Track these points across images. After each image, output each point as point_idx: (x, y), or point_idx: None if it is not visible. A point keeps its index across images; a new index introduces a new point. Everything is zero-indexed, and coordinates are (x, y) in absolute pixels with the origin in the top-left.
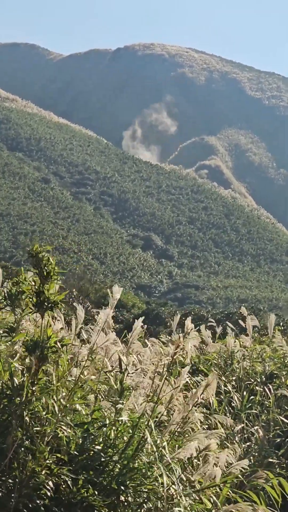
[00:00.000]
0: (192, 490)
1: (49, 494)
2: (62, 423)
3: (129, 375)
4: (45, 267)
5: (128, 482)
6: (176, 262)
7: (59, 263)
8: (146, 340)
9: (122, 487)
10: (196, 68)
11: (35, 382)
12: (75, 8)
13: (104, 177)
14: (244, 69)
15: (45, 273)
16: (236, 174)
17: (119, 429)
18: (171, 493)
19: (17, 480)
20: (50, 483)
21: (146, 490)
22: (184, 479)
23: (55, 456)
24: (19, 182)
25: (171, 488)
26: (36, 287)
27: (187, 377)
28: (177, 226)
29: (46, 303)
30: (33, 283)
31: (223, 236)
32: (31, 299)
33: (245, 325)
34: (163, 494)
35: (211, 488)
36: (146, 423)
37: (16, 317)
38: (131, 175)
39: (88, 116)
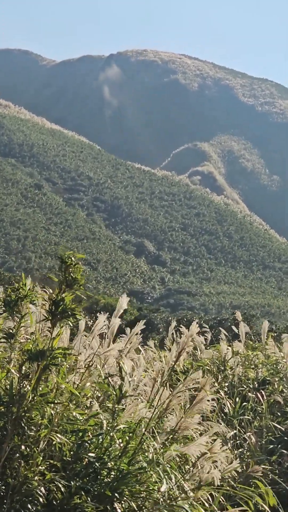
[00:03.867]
0: (185, 495)
1: (41, 500)
2: (56, 429)
3: (129, 382)
4: (71, 274)
5: (122, 488)
6: (169, 268)
7: (52, 268)
8: (139, 346)
9: (116, 494)
10: (189, 75)
11: (36, 390)
12: (69, 15)
13: (96, 183)
14: (237, 76)
15: (70, 279)
16: (228, 181)
17: (115, 436)
18: (168, 498)
19: (9, 486)
20: (42, 489)
21: (141, 496)
22: (184, 484)
23: (48, 463)
24: (11, 188)
25: (166, 493)
26: (54, 295)
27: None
28: (169, 232)
29: (64, 313)
30: (51, 291)
31: (216, 242)
32: (48, 307)
33: (238, 331)
34: (160, 498)
35: (204, 493)
36: (143, 430)
37: (14, 323)
38: (123, 181)
39: (81, 122)
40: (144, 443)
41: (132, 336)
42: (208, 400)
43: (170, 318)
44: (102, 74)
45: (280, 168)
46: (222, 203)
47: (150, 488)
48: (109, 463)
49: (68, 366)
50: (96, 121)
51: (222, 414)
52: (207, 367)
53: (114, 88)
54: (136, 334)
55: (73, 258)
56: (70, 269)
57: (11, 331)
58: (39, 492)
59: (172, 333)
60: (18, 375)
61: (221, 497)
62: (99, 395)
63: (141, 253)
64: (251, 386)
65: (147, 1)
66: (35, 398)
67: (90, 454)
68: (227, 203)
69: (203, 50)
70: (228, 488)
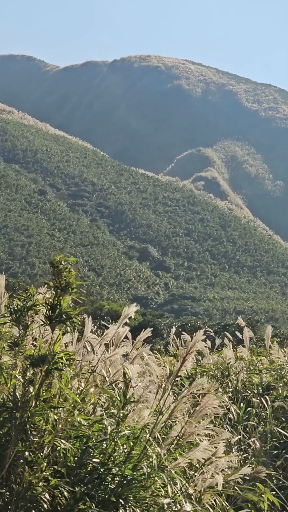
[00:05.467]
0: (190, 500)
1: (46, 506)
2: (60, 435)
3: (132, 387)
4: (64, 278)
5: (126, 494)
6: (173, 274)
7: None
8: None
9: (121, 500)
10: (192, 80)
11: (39, 396)
12: (72, 20)
13: (100, 188)
14: (240, 81)
15: (63, 283)
16: (232, 186)
17: (119, 442)
18: (172, 504)
19: (14, 492)
20: (47, 495)
21: (146, 501)
22: (189, 489)
23: (52, 468)
24: (15, 194)
25: (172, 498)
26: (50, 300)
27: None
28: (173, 238)
29: (60, 317)
30: (48, 296)
31: (220, 248)
32: (45, 312)
33: (242, 337)
34: (165, 504)
35: (209, 497)
36: (148, 436)
37: (20, 331)
38: (127, 186)
39: (85, 128)
40: (149, 449)
41: (138, 343)
42: (215, 407)
43: (174, 323)
44: (106, 80)
45: (284, 174)
46: (226, 209)
47: (155, 493)
48: (113, 469)
49: (72, 372)
50: (99, 127)
51: (227, 420)
52: (211, 373)
53: (117, 94)
54: (143, 344)
55: (63, 262)
56: (63, 274)
57: (16, 339)
58: (43, 498)
59: (174, 339)
60: (22, 380)
61: (225, 501)
62: (104, 400)
63: (145, 259)
64: (255, 392)
65: (150, 6)
66: (39, 403)
67: (94, 460)
68: (231, 209)
69: (206, 56)
70: (231, 491)
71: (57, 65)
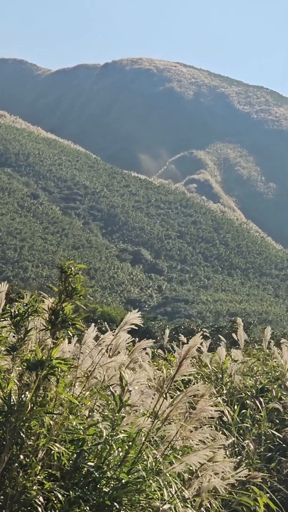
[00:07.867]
0: (185, 504)
1: (40, 510)
2: (55, 439)
3: (129, 391)
4: (71, 284)
5: (121, 497)
6: (166, 276)
7: (49, 277)
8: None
9: (116, 504)
10: (184, 83)
11: (35, 400)
12: (63, 24)
13: (93, 192)
14: (232, 83)
15: (70, 288)
16: (225, 188)
17: (114, 445)
18: (167, 507)
19: (8, 495)
20: (41, 498)
21: (141, 504)
22: (185, 493)
23: (47, 472)
24: (8, 197)
25: (168, 501)
26: (54, 305)
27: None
28: (166, 241)
29: (63, 323)
30: (51, 302)
31: (213, 250)
32: (48, 317)
33: (237, 338)
34: (160, 508)
35: (205, 501)
36: (143, 439)
37: (19, 336)
38: (120, 189)
39: (79, 131)
40: (144, 452)
41: (135, 350)
42: (210, 411)
43: (167, 326)
44: (98, 83)
45: (276, 175)
46: (218, 211)
47: (150, 497)
48: (108, 472)
49: (68, 376)
50: (93, 129)
51: (221, 422)
52: (205, 376)
53: (109, 97)
54: (143, 349)
55: (73, 268)
56: (70, 279)
57: (14, 344)
58: (37, 502)
59: (168, 341)
60: (18, 384)
61: (219, 504)
62: (99, 404)
63: (138, 262)
64: (249, 394)
65: (142, 9)
66: (34, 407)
67: (89, 464)
68: (224, 211)
69: (198, 58)
70: (226, 495)
71: (49, 68)
